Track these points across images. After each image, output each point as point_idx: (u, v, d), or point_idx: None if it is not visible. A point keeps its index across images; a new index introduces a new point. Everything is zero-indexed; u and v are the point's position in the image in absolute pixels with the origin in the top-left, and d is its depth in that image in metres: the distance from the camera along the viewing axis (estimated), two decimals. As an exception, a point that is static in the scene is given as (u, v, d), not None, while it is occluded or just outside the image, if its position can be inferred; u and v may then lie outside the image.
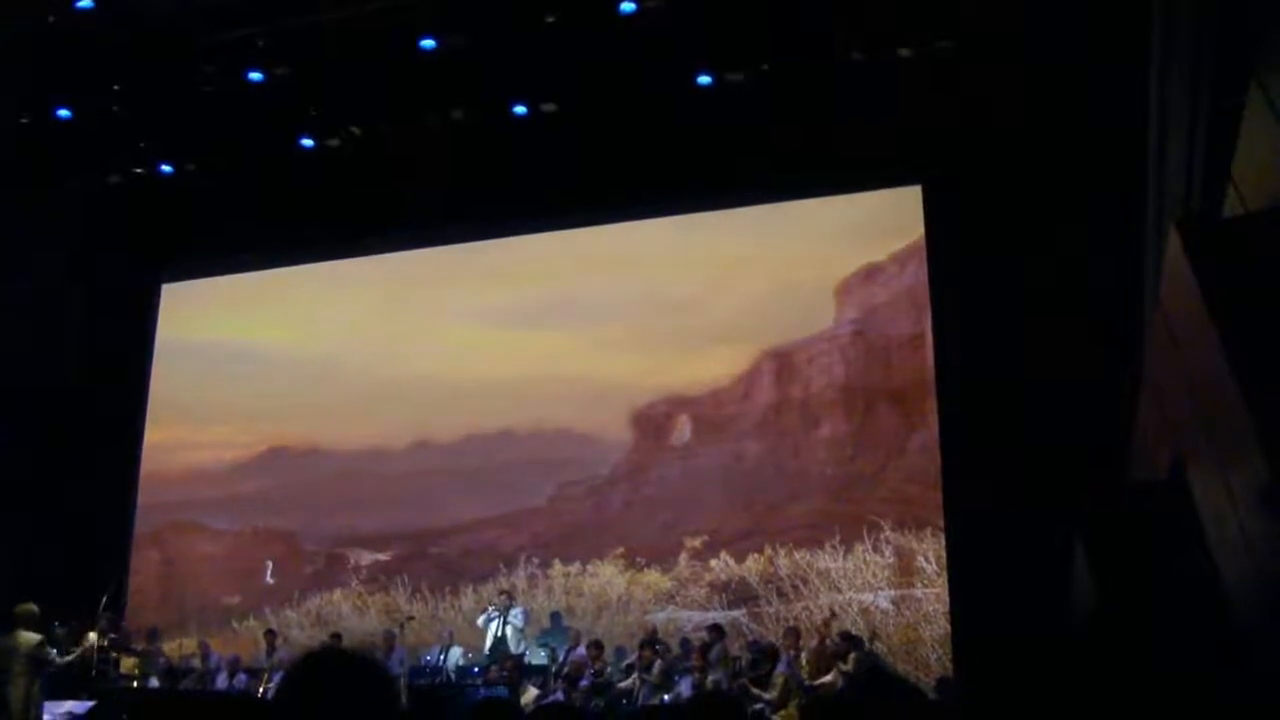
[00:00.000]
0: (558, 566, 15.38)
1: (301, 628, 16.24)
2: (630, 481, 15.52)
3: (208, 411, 17.53)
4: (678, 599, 14.67)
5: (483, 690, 12.92)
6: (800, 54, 13.42)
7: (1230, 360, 3.95)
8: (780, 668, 12.12)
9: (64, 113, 14.64)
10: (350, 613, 16.24)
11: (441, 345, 16.55)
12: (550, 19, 12.91)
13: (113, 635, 13.82)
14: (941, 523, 13.50)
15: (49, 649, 11.81)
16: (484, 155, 14.98)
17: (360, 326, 17.05)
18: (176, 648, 15.68)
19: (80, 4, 12.78)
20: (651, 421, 15.51)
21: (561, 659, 13.56)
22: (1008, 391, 12.22)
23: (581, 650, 13.51)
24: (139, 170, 15.94)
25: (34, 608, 11.70)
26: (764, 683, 12.14)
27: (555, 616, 15.03)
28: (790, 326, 14.92)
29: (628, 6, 12.61)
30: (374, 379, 16.69)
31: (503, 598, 14.42)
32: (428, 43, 13.36)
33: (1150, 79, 6.65)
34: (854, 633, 12.77)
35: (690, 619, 14.42)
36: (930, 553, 13.63)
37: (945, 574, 13.41)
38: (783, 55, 13.49)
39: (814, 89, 13.67)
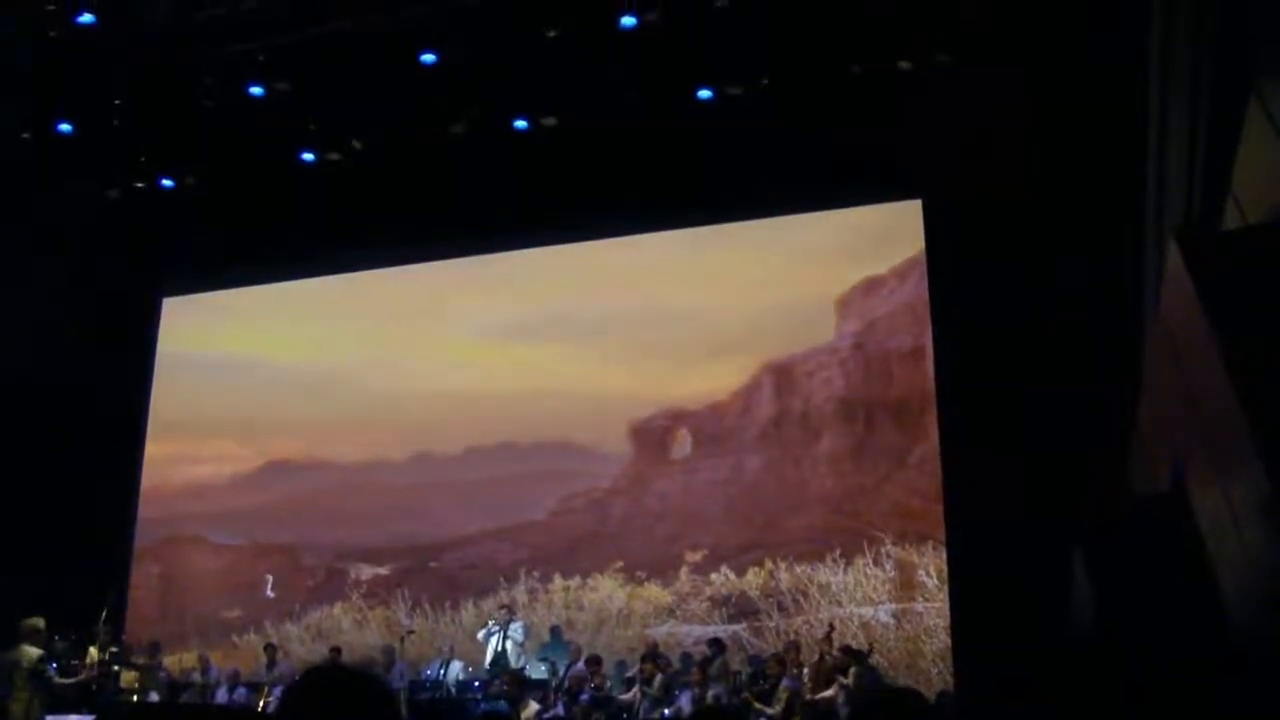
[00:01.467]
0: (558, 580, 15.36)
1: (301, 642, 16.22)
2: (630, 495, 15.51)
3: (208, 425, 17.54)
4: (678, 613, 14.65)
5: (483, 705, 12.90)
6: (800, 67, 13.45)
7: (1230, 372, 3.95)
8: (785, 681, 12.10)
9: (65, 127, 14.66)
10: (350, 627, 16.22)
11: (442, 359, 16.57)
12: (551, 33, 12.93)
13: (113, 649, 13.79)
14: (942, 536, 13.49)
15: (49, 665, 11.79)
16: (484, 169, 14.99)
17: (361, 340, 17.07)
18: (177, 661, 15.66)
19: (81, 19, 12.81)
20: (652, 435, 15.51)
21: (562, 673, 13.54)
22: (1008, 404, 12.22)
23: (581, 665, 13.49)
24: (140, 184, 15.94)
25: (39, 623, 11.67)
26: (767, 697, 12.14)
27: (555, 631, 15.00)
28: (790, 339, 14.93)
29: (628, 21, 12.62)
30: (374, 392, 16.71)
31: (503, 612, 14.41)
32: (428, 57, 13.39)
33: (1150, 91, 6.66)
34: (855, 647, 12.74)
35: (690, 633, 14.40)
36: (931, 566, 13.62)
37: (946, 588, 13.39)
38: (783, 69, 13.51)
39: (814, 102, 13.68)
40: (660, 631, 14.46)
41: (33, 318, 15.41)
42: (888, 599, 13.80)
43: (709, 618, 14.45)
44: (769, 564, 14.36)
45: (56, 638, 12.97)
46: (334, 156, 15.35)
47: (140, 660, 14.60)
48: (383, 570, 16.40)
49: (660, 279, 15.63)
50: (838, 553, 14.07)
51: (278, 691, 13.31)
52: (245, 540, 17.23)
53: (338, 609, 16.41)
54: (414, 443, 16.52)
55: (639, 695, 12.74)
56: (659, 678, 12.68)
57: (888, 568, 13.85)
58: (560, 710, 12.81)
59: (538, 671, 13.90)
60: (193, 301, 18.13)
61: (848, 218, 15.02)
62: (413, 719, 12.59)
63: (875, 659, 12.81)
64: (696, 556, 14.75)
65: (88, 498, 15.80)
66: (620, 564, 15.13)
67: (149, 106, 14.41)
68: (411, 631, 15.14)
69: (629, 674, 13.49)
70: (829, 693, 12.01)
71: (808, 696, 12.08)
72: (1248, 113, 4.53)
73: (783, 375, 14.98)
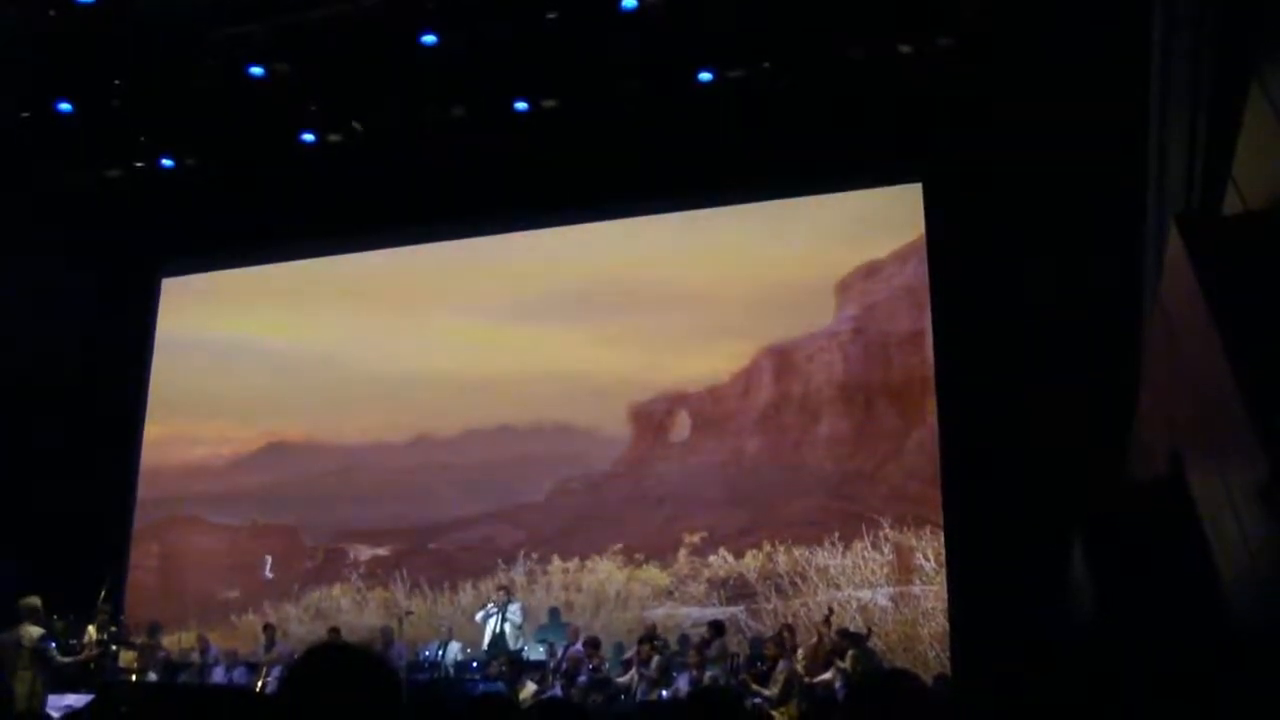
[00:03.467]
0: (556, 562, 15.38)
1: (300, 622, 16.25)
2: (629, 477, 15.53)
3: (207, 406, 17.55)
4: (676, 595, 14.68)
5: (481, 686, 12.92)
6: (801, 51, 13.43)
7: (1229, 358, 3.95)
8: (782, 663, 12.13)
9: (65, 107, 14.64)
10: (349, 607, 16.25)
11: (441, 341, 16.56)
12: (551, 15, 12.90)
13: (112, 629, 13.82)
14: (940, 520, 13.52)
15: (50, 644, 11.80)
16: (484, 151, 14.97)
17: (360, 321, 17.06)
18: (175, 641, 15.69)
19: (81, -2, 12.79)
20: (651, 418, 15.52)
21: (559, 655, 13.57)
22: (1007, 389, 12.21)
23: (579, 646, 13.52)
24: (139, 164, 15.94)
25: (36, 601, 11.69)
26: (764, 679, 12.16)
27: (554, 612, 15.04)
28: (790, 323, 14.93)
29: (629, 3, 12.60)
30: (374, 374, 16.71)
31: (501, 593, 14.42)
32: (429, 38, 13.36)
33: (1151, 76, 6.65)
34: (853, 630, 12.77)
35: (688, 615, 14.43)
36: (929, 550, 13.65)
37: (944, 571, 13.42)
38: (784, 52, 13.49)
39: (815, 85, 13.67)
40: (658, 614, 14.49)
41: (32, 298, 15.39)
42: (885, 582, 13.82)
43: (707, 600, 14.49)
44: (767, 547, 14.38)
45: (55, 617, 13.00)
46: (334, 138, 15.36)
47: (139, 640, 14.63)
48: (382, 551, 16.43)
49: (660, 262, 15.61)
50: (836, 536, 14.09)
51: (276, 671, 13.36)
52: (244, 521, 17.25)
53: (336, 590, 16.44)
54: (413, 424, 16.54)
55: (636, 677, 12.77)
56: (656, 659, 12.70)
57: (886, 551, 13.88)
58: (558, 691, 12.83)
59: (535, 653, 13.94)
60: (192, 282, 18.12)
61: (848, 201, 14.99)
62: (410, 700, 12.59)
63: (873, 642, 12.85)
64: (695, 539, 14.77)
65: (88, 478, 15.81)
66: (619, 546, 15.15)
67: (149, 86, 14.37)
68: (410, 613, 15.17)
69: (627, 656, 13.52)
70: (826, 675, 12.04)
71: (805, 679, 12.11)
72: (1249, 98, 4.52)
73: (782, 359, 14.99)
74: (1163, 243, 5.53)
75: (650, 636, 13.28)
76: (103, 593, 13.82)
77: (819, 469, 14.62)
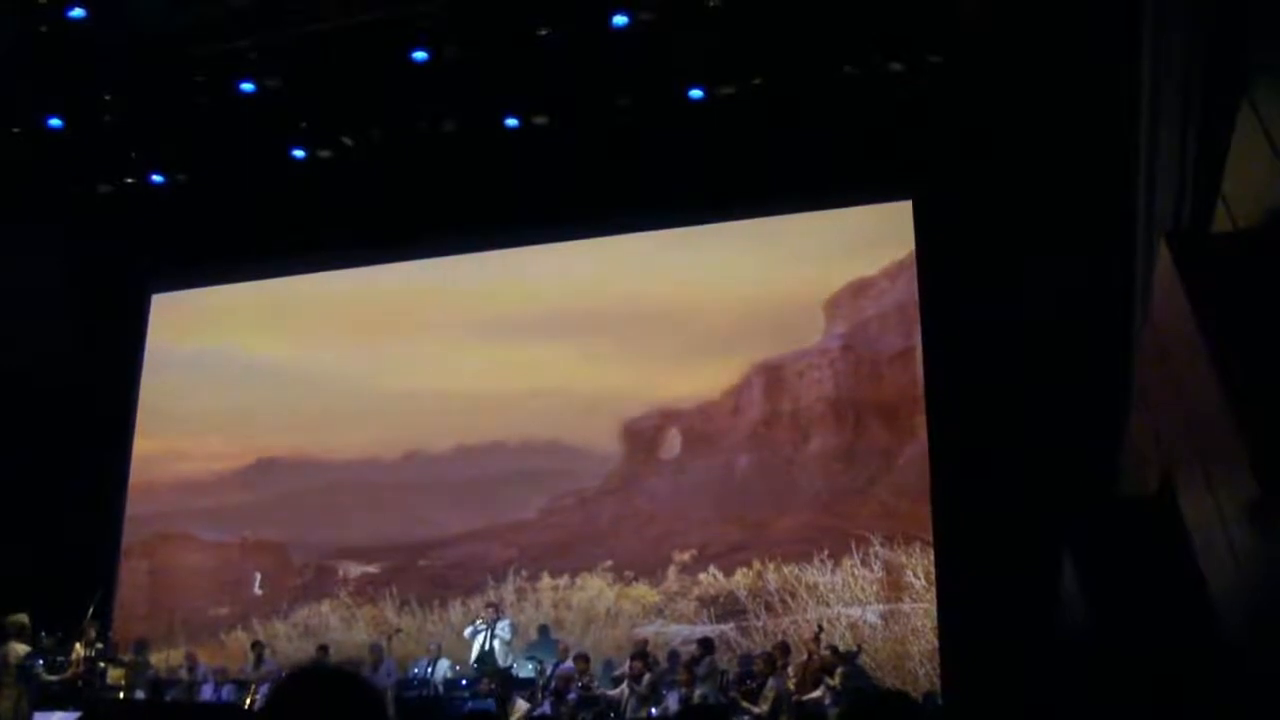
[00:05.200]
0: (546, 579, 15.34)
1: (289, 639, 16.18)
2: (620, 494, 15.50)
3: (197, 422, 17.50)
4: (666, 613, 14.65)
5: (470, 703, 12.89)
6: (792, 67, 13.45)
7: (1219, 374, 3.95)
8: (772, 681, 12.11)
9: (55, 122, 14.62)
10: (338, 624, 16.19)
11: (432, 357, 16.54)
12: (543, 31, 12.92)
13: (100, 646, 13.77)
14: (930, 537, 13.50)
15: (37, 662, 11.75)
16: (475, 167, 14.98)
17: (351, 338, 17.03)
18: (164, 659, 15.62)
19: (72, 14, 12.76)
20: (641, 435, 15.51)
21: (549, 672, 13.52)
22: (997, 406, 12.22)
23: (569, 664, 13.48)
24: (130, 180, 15.92)
25: (24, 619, 11.64)
26: (754, 696, 12.14)
27: (543, 630, 15.00)
28: (780, 340, 14.93)
29: (620, 20, 12.62)
30: (364, 390, 16.67)
31: (490, 611, 14.37)
32: (420, 54, 13.37)
33: (1142, 96, 6.66)
34: (842, 648, 12.75)
35: (678, 633, 14.39)
36: (919, 567, 13.63)
37: (934, 589, 13.40)
38: (775, 69, 13.51)
39: (805, 103, 13.69)
40: (648, 631, 14.45)
41: (22, 313, 15.35)
42: (875, 599, 13.80)
43: (697, 617, 14.45)
44: (757, 564, 14.36)
45: (43, 634, 12.95)
46: (325, 154, 15.34)
47: (127, 657, 14.57)
48: (371, 568, 16.37)
49: (651, 279, 15.62)
50: (826, 553, 14.07)
51: (264, 689, 13.31)
52: (234, 537, 17.19)
53: (326, 606, 16.38)
54: (404, 441, 16.50)
55: (626, 693, 12.72)
56: (647, 676, 12.66)
57: (876, 568, 13.86)
58: (547, 709, 12.80)
59: (525, 670, 13.90)
60: (182, 298, 18.10)
61: (838, 218, 15.01)
62: (400, 718, 12.58)
63: (863, 659, 12.83)
64: (685, 556, 14.75)
65: (76, 494, 15.76)
66: (609, 563, 15.12)
67: (140, 102, 14.37)
68: (399, 630, 15.13)
69: (617, 673, 13.49)
70: (816, 693, 12.02)
71: (795, 697, 12.09)
72: (1239, 117, 4.53)
73: (773, 376, 14.98)
74: (1153, 260, 5.53)
75: (643, 652, 13.24)
76: (90, 609, 13.76)
77: (809, 486, 14.62)
